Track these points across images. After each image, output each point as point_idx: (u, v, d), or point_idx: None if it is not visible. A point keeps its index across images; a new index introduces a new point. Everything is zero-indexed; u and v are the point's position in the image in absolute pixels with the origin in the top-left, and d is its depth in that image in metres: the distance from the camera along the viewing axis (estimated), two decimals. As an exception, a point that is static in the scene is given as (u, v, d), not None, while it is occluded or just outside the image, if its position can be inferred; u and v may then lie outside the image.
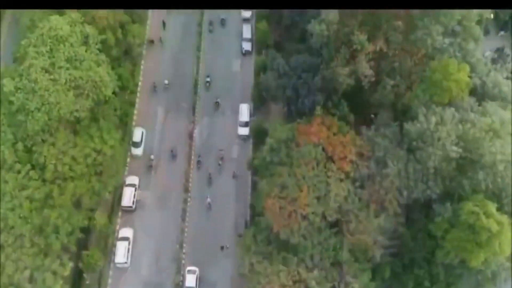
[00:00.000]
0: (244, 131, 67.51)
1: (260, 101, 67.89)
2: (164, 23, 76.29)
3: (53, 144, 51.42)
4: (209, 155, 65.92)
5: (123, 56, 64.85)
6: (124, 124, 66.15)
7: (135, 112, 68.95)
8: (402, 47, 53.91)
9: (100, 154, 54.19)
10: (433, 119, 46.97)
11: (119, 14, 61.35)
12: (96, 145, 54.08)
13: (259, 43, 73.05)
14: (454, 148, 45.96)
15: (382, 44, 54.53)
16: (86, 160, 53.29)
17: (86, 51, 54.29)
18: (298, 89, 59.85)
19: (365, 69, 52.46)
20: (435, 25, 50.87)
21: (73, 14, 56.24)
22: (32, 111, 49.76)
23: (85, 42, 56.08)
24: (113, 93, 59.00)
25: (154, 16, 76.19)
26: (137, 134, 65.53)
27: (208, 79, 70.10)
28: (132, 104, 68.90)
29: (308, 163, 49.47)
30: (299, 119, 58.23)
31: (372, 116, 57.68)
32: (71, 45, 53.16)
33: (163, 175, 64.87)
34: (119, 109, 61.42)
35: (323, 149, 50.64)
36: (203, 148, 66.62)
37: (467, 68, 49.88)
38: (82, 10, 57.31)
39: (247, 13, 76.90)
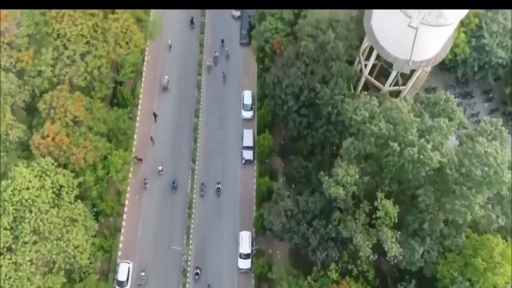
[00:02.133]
0: (245, 264, 57.68)
1: (263, 229, 58.25)
2: (155, 116, 66.91)
3: None
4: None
5: (107, 187, 54.93)
6: (108, 258, 56.58)
7: (121, 238, 59.25)
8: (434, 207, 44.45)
9: (75, 334, 44.71)
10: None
11: (99, 148, 51.40)
12: (71, 324, 44.58)
13: (261, 154, 63.19)
14: None
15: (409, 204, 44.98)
16: None
17: (58, 213, 44.49)
18: (308, 238, 50.36)
19: (391, 245, 42.85)
20: (477, 196, 41.26)
21: (44, 161, 46.50)
22: (-11, 307, 40.25)
23: (58, 194, 46.37)
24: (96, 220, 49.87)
25: (142, 114, 66.74)
26: (123, 271, 55.69)
27: (197, 271, 56.74)
28: (118, 229, 59.18)
29: None
30: (309, 273, 49.30)
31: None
32: (39, 209, 43.32)
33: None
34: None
35: None
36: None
37: (516, 252, 40.46)
38: (54, 154, 47.63)
39: (247, 114, 67.01)
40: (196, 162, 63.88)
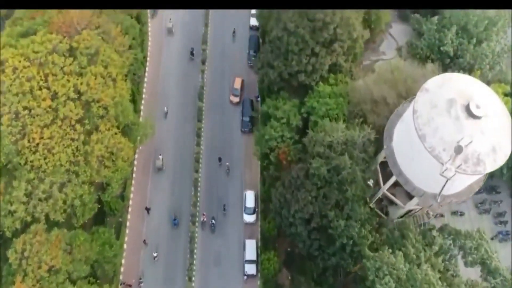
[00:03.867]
0: None
1: None
2: (148, 210, 60.04)
3: None
4: None
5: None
6: None
7: None
8: None
9: None
10: None
11: None
12: None
13: (266, 275, 55.93)
14: None
15: None
16: None
17: None
18: None
19: None
20: None
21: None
22: None
23: None
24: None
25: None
26: None
27: None
28: None
29: None
30: None
31: None
32: None
33: None
34: None
35: None
36: None
37: None
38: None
39: (250, 218, 59.85)
40: (193, 278, 56.86)
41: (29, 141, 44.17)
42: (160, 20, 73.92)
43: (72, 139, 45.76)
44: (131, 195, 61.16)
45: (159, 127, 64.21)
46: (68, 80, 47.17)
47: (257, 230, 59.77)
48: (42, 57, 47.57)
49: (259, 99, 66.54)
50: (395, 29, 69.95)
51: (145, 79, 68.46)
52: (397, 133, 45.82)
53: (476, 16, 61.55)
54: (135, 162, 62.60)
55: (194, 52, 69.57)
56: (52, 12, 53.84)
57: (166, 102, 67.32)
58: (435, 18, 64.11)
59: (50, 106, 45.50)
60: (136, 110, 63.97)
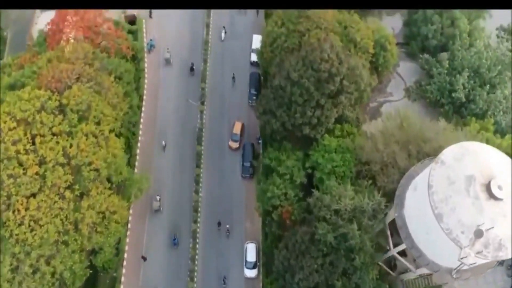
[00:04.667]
0: None
1: None
2: (144, 258, 56.98)
3: None
4: None
5: None
6: None
7: None
8: None
9: None
10: None
11: None
12: None
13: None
14: None
15: None
16: None
17: None
18: None
19: None
20: None
21: None
22: None
23: None
24: None
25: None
26: None
27: None
28: None
29: None
30: None
31: None
32: None
33: None
34: None
35: None
36: None
37: None
38: None
39: (251, 273, 56.53)
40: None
41: (14, 213, 40.91)
42: (157, 54, 70.74)
43: (61, 208, 42.51)
44: (126, 247, 57.92)
45: (157, 162, 61.82)
46: (57, 142, 43.92)
47: (258, 284, 56.59)
48: (29, 116, 44.29)
49: (260, 141, 63.31)
50: (403, 68, 66.67)
51: (141, 120, 65.16)
52: (409, 202, 42.61)
53: (489, 59, 58.37)
54: (131, 211, 59.34)
55: (194, 67, 66.74)
56: (41, 62, 50.63)
57: (164, 138, 64.19)
58: (446, 58, 60.77)
59: (37, 173, 42.24)
60: (132, 154, 60.84)
